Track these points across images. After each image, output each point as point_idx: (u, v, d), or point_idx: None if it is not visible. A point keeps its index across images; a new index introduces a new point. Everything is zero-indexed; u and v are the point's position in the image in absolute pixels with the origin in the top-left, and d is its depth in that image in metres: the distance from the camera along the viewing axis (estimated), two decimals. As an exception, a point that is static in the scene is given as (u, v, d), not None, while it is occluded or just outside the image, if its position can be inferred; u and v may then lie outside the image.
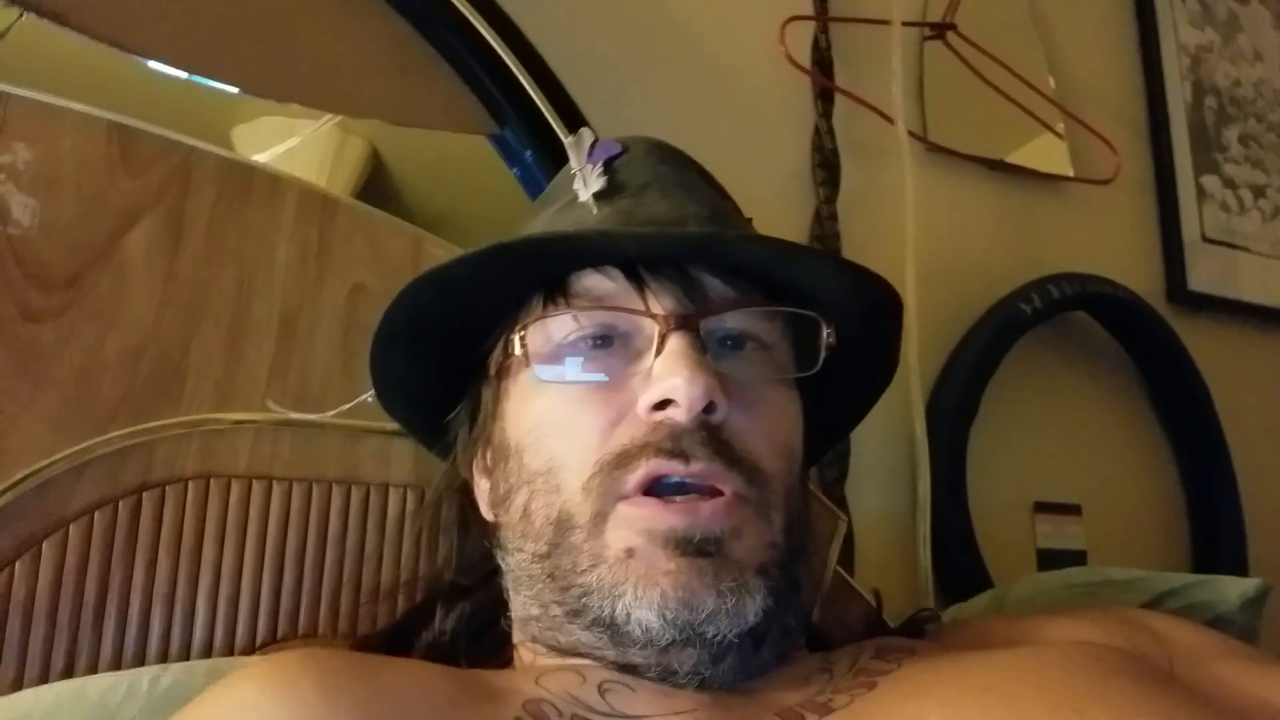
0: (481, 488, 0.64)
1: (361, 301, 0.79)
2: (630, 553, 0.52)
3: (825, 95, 1.22)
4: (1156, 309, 1.41)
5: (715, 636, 0.51)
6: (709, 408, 0.53)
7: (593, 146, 0.63)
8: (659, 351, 0.54)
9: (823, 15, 1.24)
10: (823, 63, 1.23)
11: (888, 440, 1.17)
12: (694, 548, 0.51)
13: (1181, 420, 1.42)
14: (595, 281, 0.58)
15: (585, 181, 0.62)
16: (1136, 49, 1.58)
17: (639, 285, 0.57)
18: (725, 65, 1.20)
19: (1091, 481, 1.35)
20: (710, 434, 0.53)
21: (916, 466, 1.16)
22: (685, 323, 0.55)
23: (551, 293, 0.58)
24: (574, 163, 0.63)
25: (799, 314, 0.60)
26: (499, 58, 0.96)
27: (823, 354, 0.60)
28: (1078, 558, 1.29)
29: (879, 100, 1.25)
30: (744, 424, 0.55)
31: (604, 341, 0.57)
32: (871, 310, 0.64)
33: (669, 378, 0.53)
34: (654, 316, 0.56)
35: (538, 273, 0.59)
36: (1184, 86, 1.56)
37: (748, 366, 0.58)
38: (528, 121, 0.96)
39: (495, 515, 0.62)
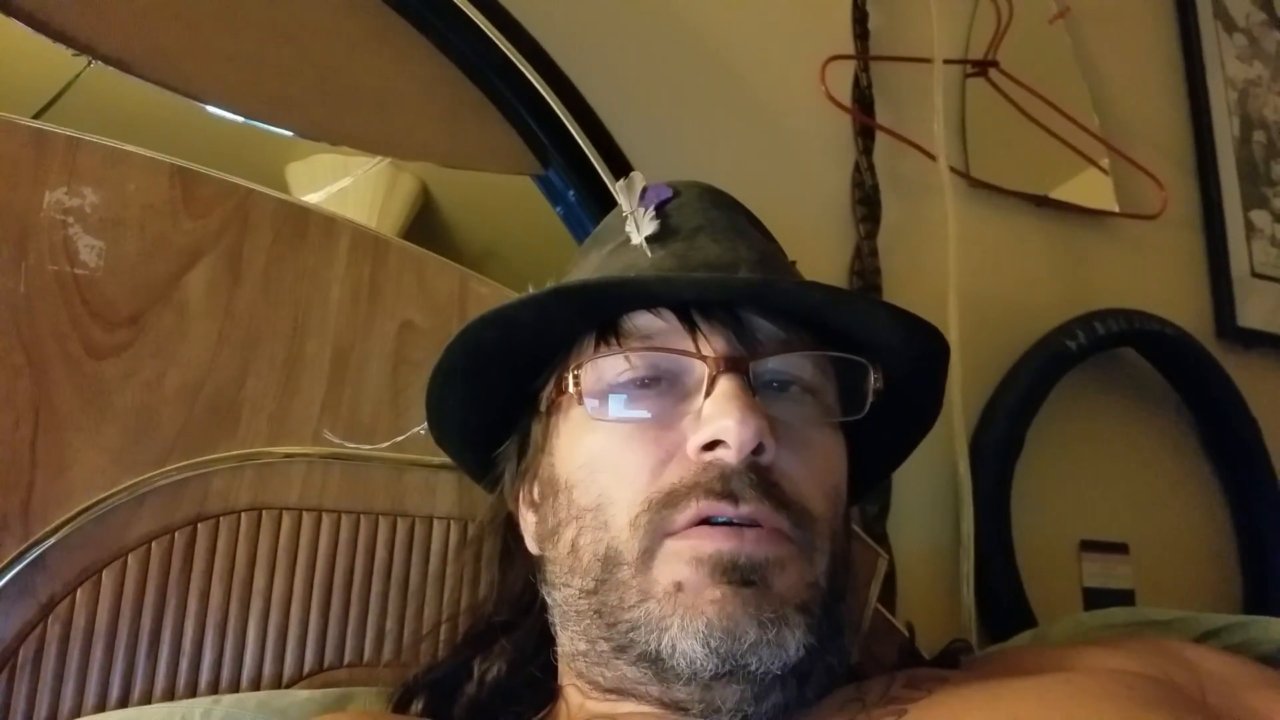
0: (528, 521, 0.66)
1: (410, 338, 0.81)
2: (679, 586, 0.53)
3: (866, 132, 1.23)
4: (1205, 345, 1.39)
5: (759, 670, 0.51)
6: (758, 449, 0.54)
7: (644, 190, 0.65)
8: (709, 393, 0.55)
9: (863, 55, 1.25)
10: (863, 100, 1.24)
11: (930, 476, 1.17)
12: (739, 575, 0.52)
13: (1231, 458, 1.40)
14: (646, 322, 0.59)
15: (638, 224, 0.63)
16: (1183, 83, 1.58)
17: (690, 327, 0.58)
18: (766, 105, 1.21)
19: (1139, 520, 1.33)
20: (759, 476, 0.54)
21: (960, 503, 1.16)
22: (736, 365, 0.56)
23: (604, 332, 0.60)
24: (625, 205, 0.64)
25: (847, 359, 0.61)
26: (543, 100, 0.98)
27: (870, 399, 0.60)
28: (1125, 597, 1.27)
29: (921, 137, 1.26)
30: (792, 466, 0.56)
31: (654, 381, 0.58)
32: (919, 355, 0.65)
33: (720, 419, 0.54)
34: (705, 358, 0.57)
35: (593, 313, 0.61)
36: (1232, 121, 1.55)
37: (795, 409, 0.59)
38: (571, 162, 0.99)
39: (542, 549, 0.63)
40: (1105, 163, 1.42)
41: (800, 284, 0.62)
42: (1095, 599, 1.25)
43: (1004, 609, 1.15)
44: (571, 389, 0.59)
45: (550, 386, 0.63)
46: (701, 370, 0.57)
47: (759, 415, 0.54)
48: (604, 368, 0.59)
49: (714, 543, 0.53)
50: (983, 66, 1.35)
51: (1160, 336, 1.35)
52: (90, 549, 0.68)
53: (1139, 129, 1.48)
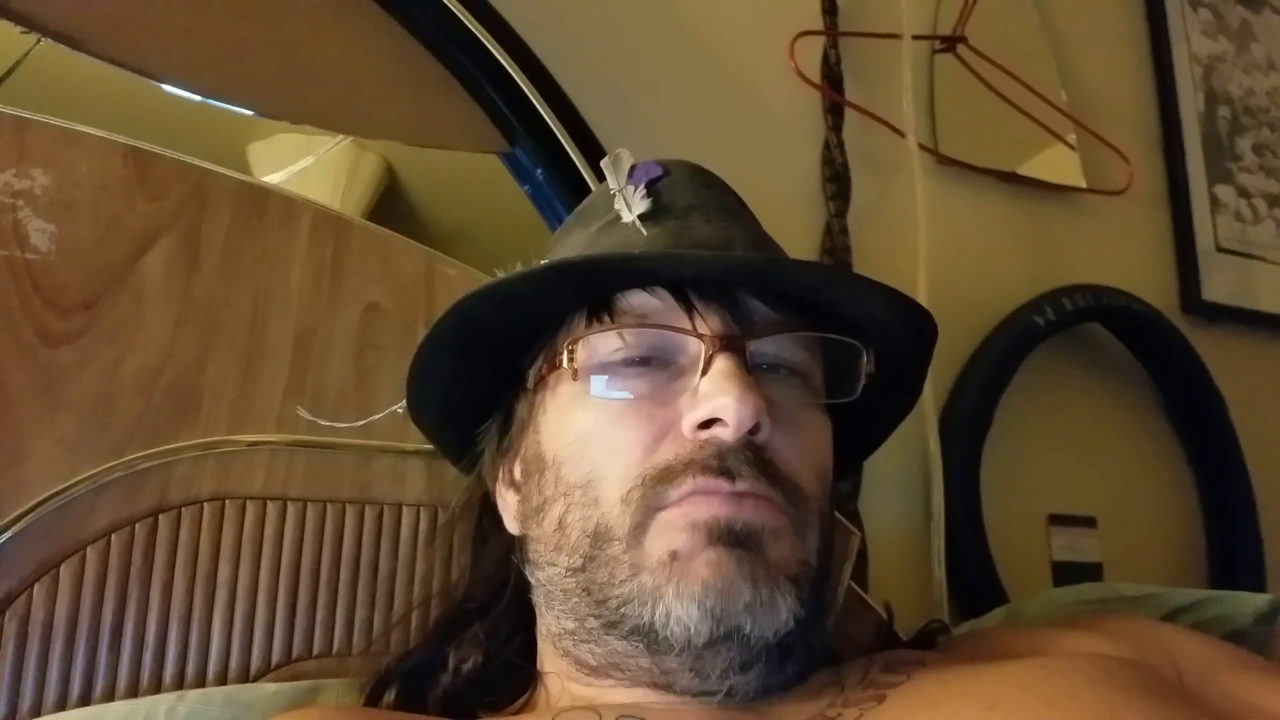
0: (508, 501, 0.65)
1: (375, 321, 0.79)
2: (674, 555, 0.52)
3: (835, 109, 1.22)
4: (1171, 320, 1.41)
5: (752, 632, 0.51)
6: (754, 429, 0.54)
7: (633, 168, 0.64)
8: (705, 371, 0.55)
9: (832, 30, 1.24)
10: (832, 77, 1.23)
11: (901, 454, 1.17)
12: (734, 537, 0.52)
13: (1197, 431, 1.42)
14: (640, 300, 0.59)
15: (628, 202, 0.62)
16: (1148, 59, 1.58)
17: (686, 305, 0.57)
18: (736, 81, 1.20)
19: (1107, 494, 1.34)
20: (755, 454, 0.54)
21: (930, 480, 1.16)
22: (732, 344, 0.56)
23: (596, 309, 0.59)
24: (612, 183, 0.63)
25: (841, 340, 0.61)
26: (509, 76, 0.97)
27: (862, 381, 0.60)
28: (1093, 570, 1.28)
29: (890, 114, 1.26)
30: (785, 447, 0.56)
31: (647, 360, 0.58)
32: (909, 337, 0.65)
33: (718, 396, 0.53)
34: (701, 337, 0.56)
35: (588, 290, 0.60)
36: (1197, 96, 1.55)
37: (787, 390, 0.59)
38: (538, 140, 0.97)
39: (524, 529, 0.62)
40: (1072, 138, 1.42)
41: (802, 264, 0.61)
42: (1064, 572, 1.27)
43: (974, 584, 1.16)
44: (566, 364, 0.58)
45: (540, 363, 0.62)
46: (697, 349, 0.56)
47: (757, 394, 0.54)
48: (598, 344, 0.58)
49: (710, 509, 0.53)
50: (951, 42, 1.34)
51: (1127, 312, 1.36)
52: (47, 542, 0.66)
53: (1106, 105, 1.49)
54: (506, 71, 0.97)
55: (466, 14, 0.95)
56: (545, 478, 0.59)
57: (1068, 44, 1.47)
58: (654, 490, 0.54)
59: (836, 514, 0.94)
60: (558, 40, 1.03)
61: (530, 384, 0.63)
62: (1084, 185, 1.42)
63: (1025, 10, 1.45)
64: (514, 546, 0.64)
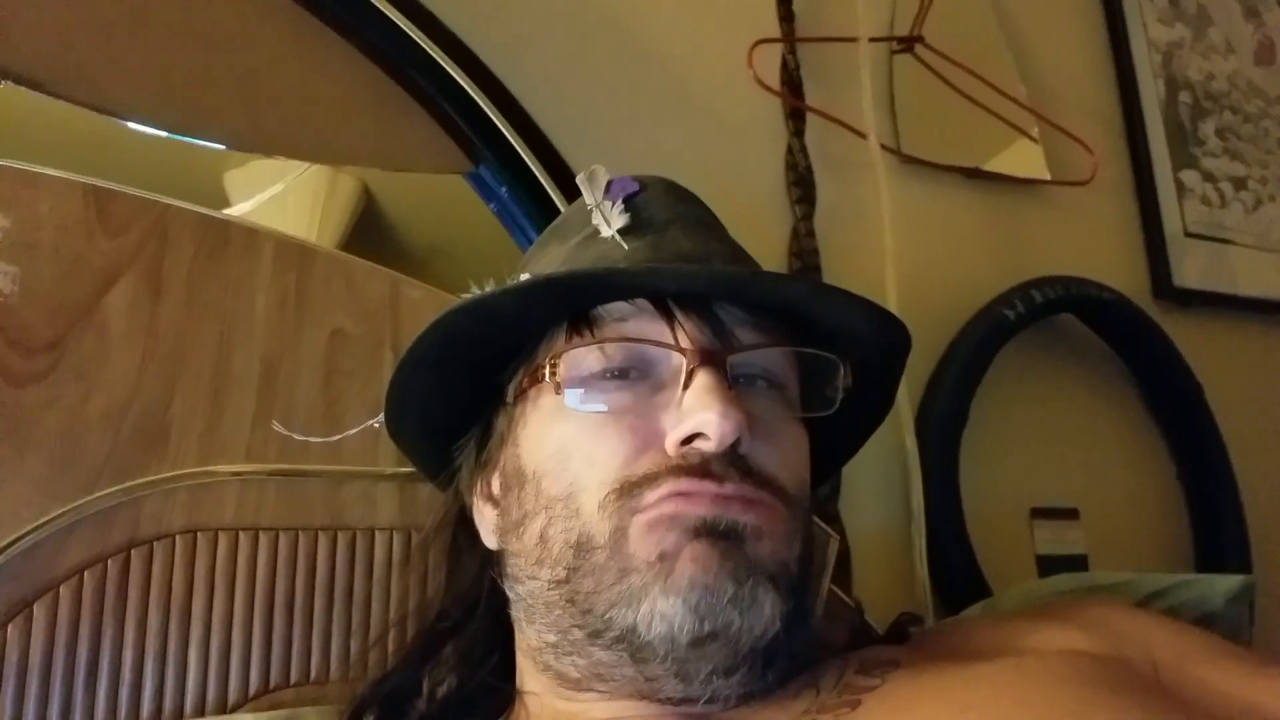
0: (486, 515, 0.65)
1: (341, 346, 0.80)
2: (662, 556, 0.53)
3: (797, 114, 1.23)
4: (1142, 307, 1.41)
5: (738, 628, 0.52)
6: (736, 443, 0.54)
7: (609, 183, 0.65)
8: (687, 385, 0.55)
9: (790, 37, 1.25)
10: (792, 83, 1.24)
11: (879, 453, 1.17)
12: (719, 532, 0.53)
13: (1175, 417, 1.42)
14: (622, 314, 0.59)
15: (606, 217, 0.63)
16: (1107, 48, 1.59)
17: (668, 319, 0.58)
18: (696, 91, 1.21)
19: (1088, 484, 1.35)
20: (738, 461, 0.55)
21: (909, 479, 1.16)
22: (713, 358, 0.56)
23: (577, 323, 0.59)
24: (589, 198, 0.64)
25: (819, 355, 0.62)
26: (467, 95, 0.97)
27: (840, 395, 0.61)
28: (1079, 562, 1.28)
29: (851, 116, 1.26)
30: (767, 456, 0.57)
31: (627, 372, 0.58)
32: (883, 347, 0.66)
33: (701, 412, 0.54)
34: (684, 351, 0.57)
35: (570, 304, 0.60)
36: (1157, 83, 1.57)
37: (767, 402, 0.59)
38: (500, 158, 0.98)
39: (504, 543, 0.62)
40: (1035, 131, 1.43)
41: (782, 278, 0.64)
42: (1049, 566, 1.27)
43: (959, 581, 1.16)
44: (547, 378, 0.58)
45: (520, 377, 0.62)
46: (679, 362, 0.57)
47: (738, 409, 0.54)
48: (579, 357, 0.58)
49: (693, 507, 0.53)
50: (909, 42, 1.35)
51: (1098, 301, 1.36)
52: (19, 582, 0.66)
53: (1066, 96, 1.50)
54: (464, 90, 0.98)
55: (421, 35, 0.96)
56: (525, 491, 0.59)
57: (1025, 38, 1.48)
58: (632, 495, 0.54)
59: (816, 520, 0.95)
60: (517, 57, 1.04)
61: (510, 398, 0.63)
62: (1049, 177, 1.42)
63: (982, 7, 1.46)
64: (490, 561, 0.64)
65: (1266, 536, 1.40)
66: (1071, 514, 1.32)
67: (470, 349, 0.62)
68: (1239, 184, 1.61)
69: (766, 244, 1.18)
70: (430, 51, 0.96)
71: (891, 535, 1.16)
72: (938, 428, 1.21)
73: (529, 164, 0.98)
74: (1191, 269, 1.51)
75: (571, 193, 0.94)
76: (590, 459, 0.56)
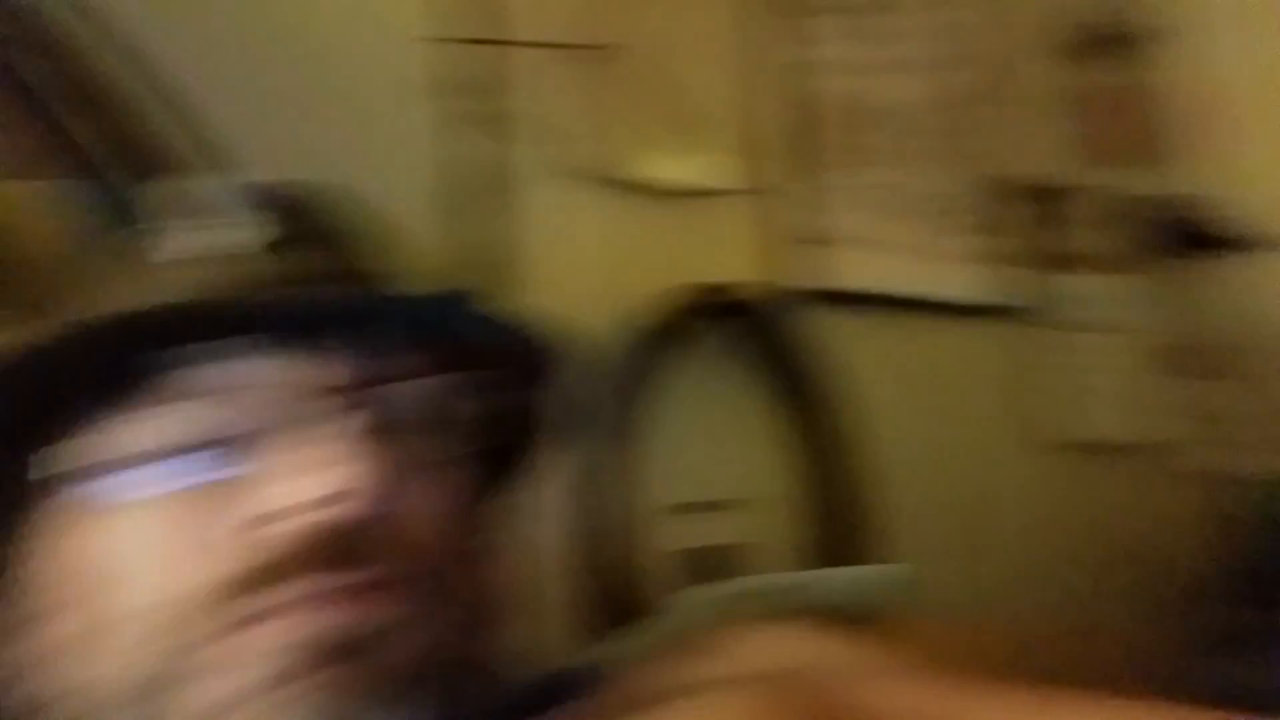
0: None
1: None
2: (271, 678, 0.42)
3: (460, 119, 1.21)
4: (782, 307, 1.49)
5: None
6: (375, 499, 0.44)
7: (236, 192, 0.55)
8: (318, 435, 0.45)
9: (451, 39, 1.22)
10: (453, 87, 1.21)
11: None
12: (345, 652, 0.42)
13: (808, 411, 1.51)
14: (227, 354, 0.46)
15: (227, 231, 0.52)
16: (740, 64, 1.66)
17: (290, 354, 0.47)
18: (358, 94, 1.16)
19: (738, 479, 1.42)
20: (377, 527, 0.45)
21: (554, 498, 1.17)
22: (352, 398, 0.47)
23: (145, 377, 0.45)
24: (210, 209, 0.53)
25: (469, 380, 0.55)
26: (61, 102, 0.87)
27: (490, 422, 0.57)
28: (730, 552, 1.35)
29: (516, 125, 1.25)
30: (416, 506, 0.48)
31: (227, 432, 0.46)
32: (532, 368, 0.61)
33: (332, 466, 0.43)
34: (318, 390, 0.46)
35: (144, 348, 0.45)
36: (788, 97, 1.65)
37: (415, 441, 0.50)
38: (87, 166, 0.87)
39: (18, 681, 0.46)
40: (679, 141, 1.48)
41: (432, 299, 0.57)
42: (700, 559, 1.32)
43: (615, 592, 1.19)
44: (85, 462, 0.45)
45: (45, 461, 0.46)
46: (304, 407, 0.46)
47: (380, 457, 0.45)
48: (150, 424, 0.45)
49: (315, 624, 0.42)
50: (577, 49, 1.35)
51: (739, 305, 1.44)
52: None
53: (707, 107, 1.55)
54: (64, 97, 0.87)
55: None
56: (64, 616, 0.45)
57: (670, 50, 1.52)
58: (233, 604, 0.43)
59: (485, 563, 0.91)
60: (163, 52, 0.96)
61: (35, 491, 0.47)
62: (688, 187, 1.47)
63: (632, 15, 1.48)
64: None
65: (907, 526, 1.50)
66: (719, 506, 1.38)
67: None
68: (877, 190, 1.72)
69: (418, 253, 1.13)
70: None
71: (548, 557, 1.17)
72: (586, 440, 1.22)
73: (117, 171, 0.88)
74: (844, 271, 1.59)
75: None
76: (160, 564, 0.45)
